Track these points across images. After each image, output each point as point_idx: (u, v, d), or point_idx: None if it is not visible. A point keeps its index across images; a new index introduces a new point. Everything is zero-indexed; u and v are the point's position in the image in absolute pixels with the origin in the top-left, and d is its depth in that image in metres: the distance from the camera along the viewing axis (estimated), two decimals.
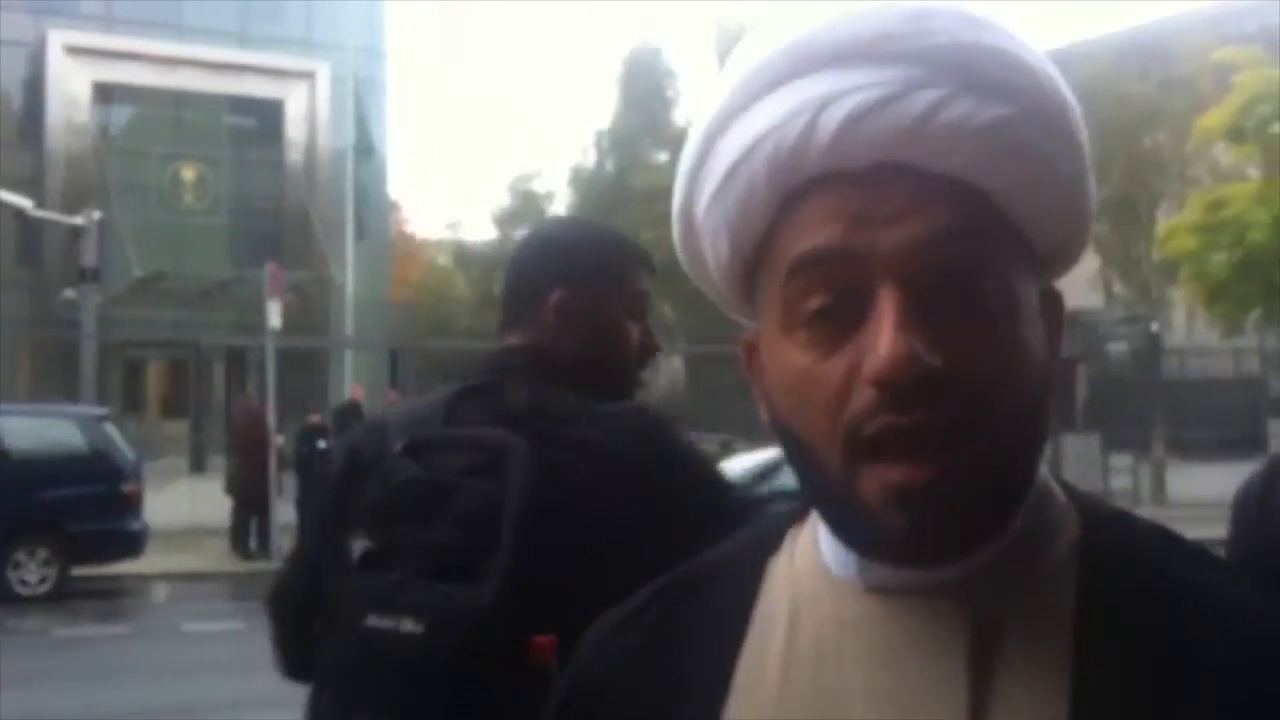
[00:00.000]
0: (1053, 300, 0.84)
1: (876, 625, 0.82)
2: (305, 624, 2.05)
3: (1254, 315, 17.79)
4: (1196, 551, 0.85)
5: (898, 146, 0.77)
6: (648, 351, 2.06)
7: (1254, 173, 18.16)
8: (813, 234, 0.78)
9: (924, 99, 0.76)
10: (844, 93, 0.77)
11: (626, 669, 0.90)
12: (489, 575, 1.74)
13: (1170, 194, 22.64)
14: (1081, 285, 18.55)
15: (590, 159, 30.67)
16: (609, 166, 30.15)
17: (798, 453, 0.81)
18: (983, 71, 0.78)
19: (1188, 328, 24.61)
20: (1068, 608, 0.80)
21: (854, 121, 0.76)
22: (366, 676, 1.81)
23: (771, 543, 0.91)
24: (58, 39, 29.81)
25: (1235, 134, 17.05)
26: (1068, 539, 0.83)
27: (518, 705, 1.65)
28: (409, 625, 1.76)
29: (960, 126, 0.77)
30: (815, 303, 0.78)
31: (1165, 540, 0.85)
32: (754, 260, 0.84)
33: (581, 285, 1.99)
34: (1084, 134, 0.83)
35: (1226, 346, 18.23)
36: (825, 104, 0.77)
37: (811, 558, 0.87)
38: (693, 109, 28.98)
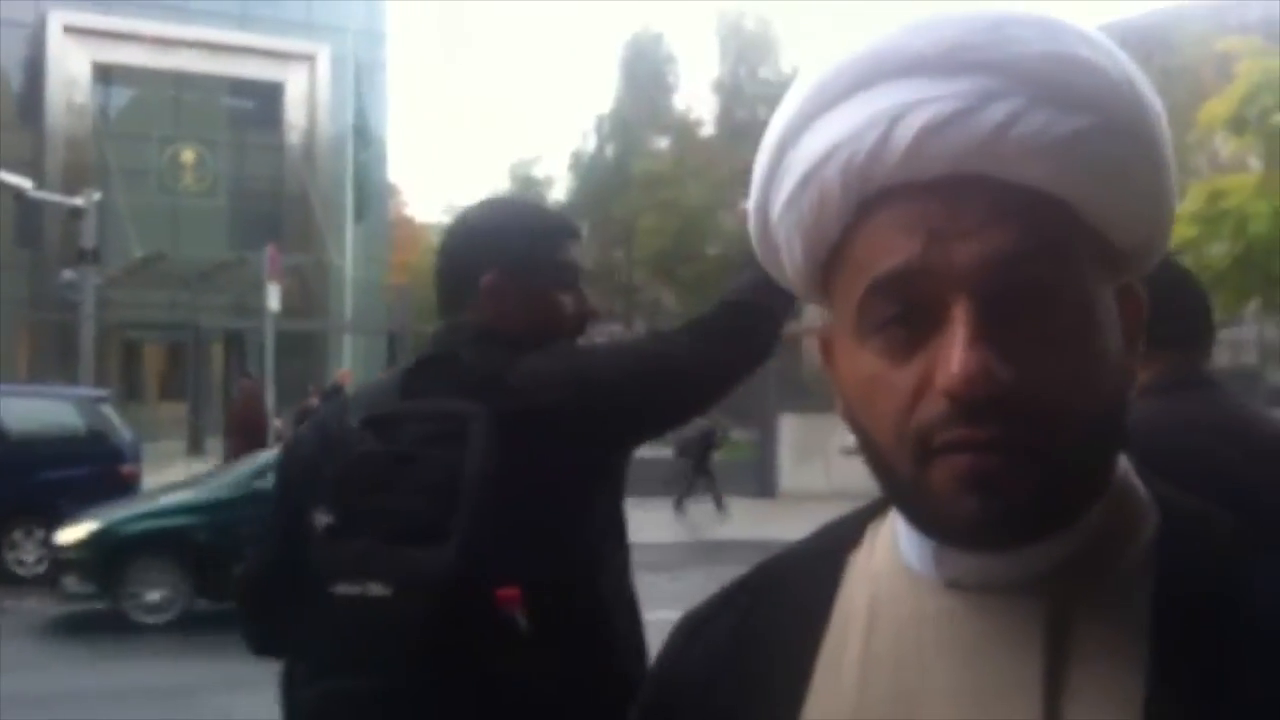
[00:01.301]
0: (1132, 296, 0.84)
1: (955, 621, 0.81)
2: (270, 602, 2.11)
3: (1253, 306, 17.79)
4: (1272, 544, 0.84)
5: (974, 158, 0.76)
6: (583, 318, 2.16)
7: (1255, 163, 18.15)
8: (890, 249, 0.78)
9: (1001, 110, 0.76)
10: (920, 103, 0.77)
11: (708, 671, 0.91)
12: (445, 537, 1.81)
13: None
14: None
15: (590, 144, 30.64)
16: (609, 152, 30.11)
17: (870, 450, 0.81)
18: (1060, 81, 0.77)
19: None
20: (1144, 606, 0.79)
21: (930, 132, 0.76)
22: (338, 642, 1.86)
23: (852, 537, 0.91)
24: (58, 19, 29.75)
25: (1237, 124, 17.03)
26: (1146, 536, 0.83)
27: (486, 657, 1.79)
28: (377, 589, 1.82)
29: (1038, 138, 0.76)
30: (889, 312, 0.78)
31: (1245, 535, 0.84)
32: (829, 262, 0.84)
33: (509, 266, 2.07)
34: (1166, 135, 0.82)
35: (1224, 338, 18.24)
36: (901, 114, 0.77)
37: (891, 554, 0.87)
38: (693, 95, 28.95)
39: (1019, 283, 0.75)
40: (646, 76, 29.91)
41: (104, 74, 30.62)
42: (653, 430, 2.15)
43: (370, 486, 1.90)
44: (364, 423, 1.97)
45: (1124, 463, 0.85)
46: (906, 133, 0.76)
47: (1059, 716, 0.76)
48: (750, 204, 0.88)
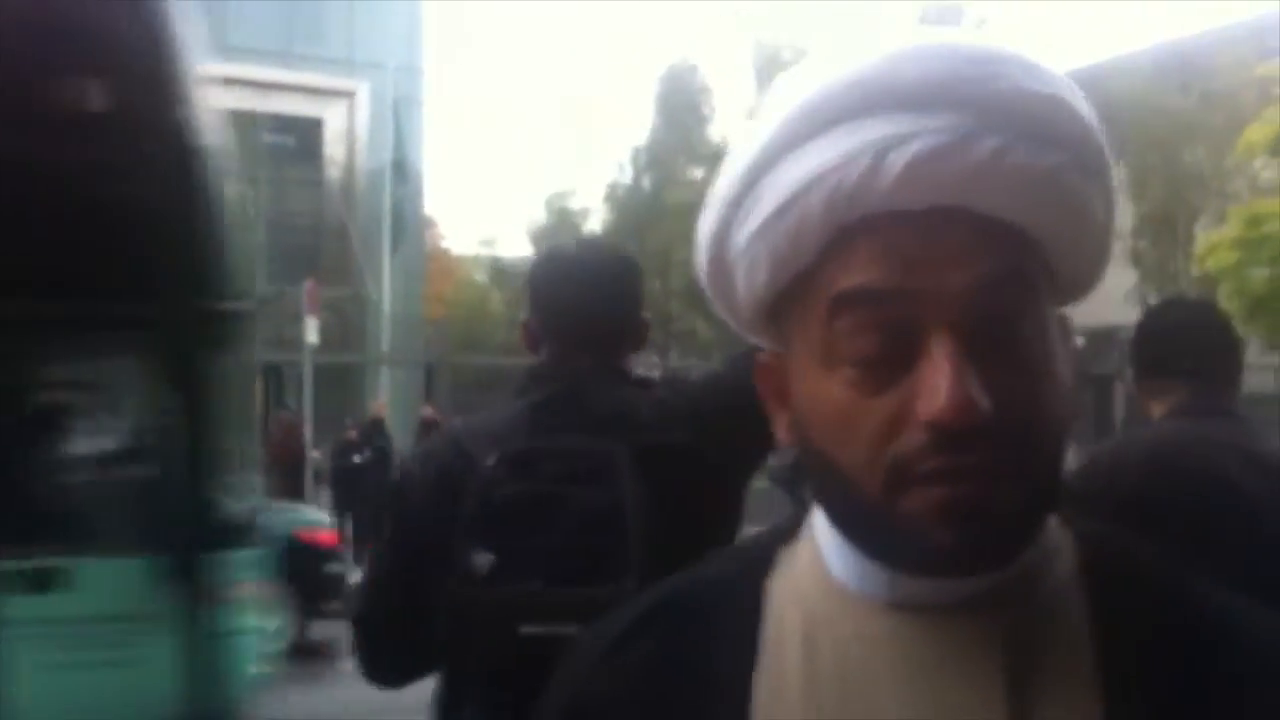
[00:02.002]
0: (1065, 325, 0.87)
1: (906, 641, 0.82)
2: (402, 637, 2.13)
3: None
4: (1184, 563, 0.88)
5: (959, 191, 0.78)
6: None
7: None
8: (865, 272, 0.79)
9: (986, 146, 0.78)
10: (910, 136, 0.78)
11: (631, 697, 0.88)
12: (623, 573, 1.88)
13: (1209, 209, 22.43)
14: (1119, 300, 18.41)
15: (626, 175, 30.72)
16: (645, 183, 30.18)
17: (830, 478, 0.81)
18: (1041, 119, 0.80)
19: None
20: (1083, 621, 0.82)
21: (919, 164, 0.77)
22: (524, 681, 1.84)
23: (762, 564, 0.91)
24: None
25: (1277, 148, 16.88)
26: (1068, 555, 0.86)
27: None
28: (566, 629, 1.84)
29: (1019, 173, 0.78)
30: (864, 339, 0.78)
31: (1154, 549, 0.88)
32: (789, 292, 0.84)
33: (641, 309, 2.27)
34: (1113, 178, 0.86)
35: (1266, 362, 18.03)
36: (890, 146, 0.78)
37: (817, 576, 0.87)
38: (729, 126, 29.02)
39: (993, 312, 0.78)
40: (682, 107, 30.00)
41: None
42: (764, 455, 2.23)
43: (529, 527, 1.94)
44: (499, 461, 1.98)
45: None
46: (896, 164, 0.77)
47: None
48: (705, 230, 0.87)
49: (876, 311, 0.78)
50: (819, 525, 0.89)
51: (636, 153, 30.55)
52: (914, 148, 0.78)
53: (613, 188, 30.64)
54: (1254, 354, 19.80)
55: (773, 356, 0.88)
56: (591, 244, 2.46)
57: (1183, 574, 0.87)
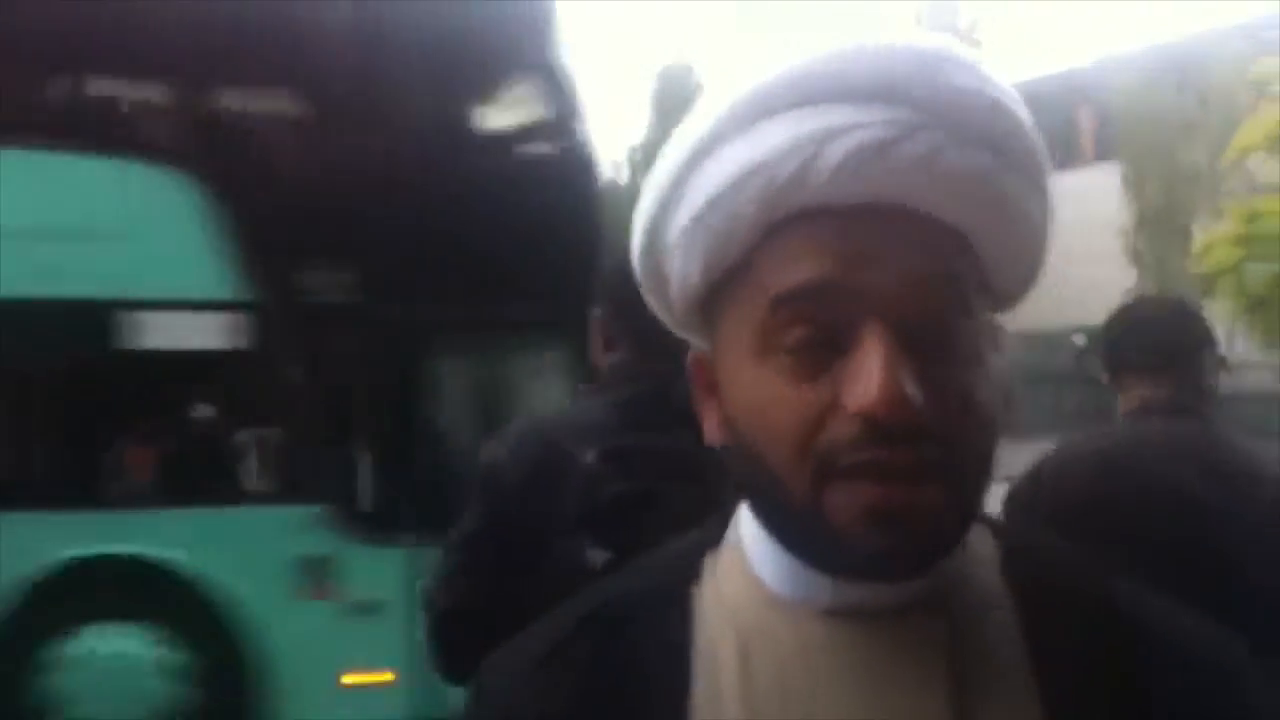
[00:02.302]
0: (996, 332, 0.86)
1: (847, 649, 0.81)
2: (489, 630, 2.07)
3: None
4: (1097, 558, 0.89)
5: (896, 187, 0.78)
6: None
7: None
8: (803, 267, 0.78)
9: (923, 143, 0.77)
10: (848, 129, 0.77)
11: (566, 707, 0.86)
12: None
13: (1207, 207, 22.43)
14: (1119, 299, 18.41)
15: (623, 175, 30.72)
16: (641, 182, 30.24)
17: (759, 474, 0.80)
18: (978, 121, 0.79)
19: (1226, 342, 24.39)
20: (1012, 621, 0.82)
21: (856, 158, 0.77)
22: None
23: (688, 572, 0.89)
24: None
25: (1274, 145, 16.89)
26: (990, 556, 0.86)
27: None
28: None
29: (955, 173, 0.78)
30: (797, 332, 0.78)
31: (1068, 547, 0.90)
32: (722, 284, 0.83)
33: None
34: (1050, 183, 0.85)
35: (1266, 361, 18.03)
36: (828, 138, 0.77)
37: (746, 584, 0.85)
38: None
39: (927, 310, 0.77)
40: (678, 107, 30.02)
41: None
42: None
43: (638, 523, 1.93)
44: (601, 458, 2.02)
45: None
46: (833, 157, 0.77)
47: None
48: (640, 219, 0.85)
49: (812, 306, 0.77)
50: (746, 531, 0.87)
51: (633, 152, 30.58)
52: (850, 141, 0.77)
53: (608, 186, 30.67)
54: (1254, 352, 19.83)
55: (702, 353, 0.87)
56: None
57: (1099, 570, 0.88)
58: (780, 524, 0.81)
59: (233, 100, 7.24)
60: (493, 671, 0.93)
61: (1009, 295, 0.88)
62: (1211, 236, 18.30)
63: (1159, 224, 23.46)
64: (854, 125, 0.77)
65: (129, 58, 6.86)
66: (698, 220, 0.82)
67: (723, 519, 0.92)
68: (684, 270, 0.85)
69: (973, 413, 0.78)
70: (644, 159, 30.05)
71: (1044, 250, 0.87)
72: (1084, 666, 0.81)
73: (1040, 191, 0.84)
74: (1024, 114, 0.82)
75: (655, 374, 2.14)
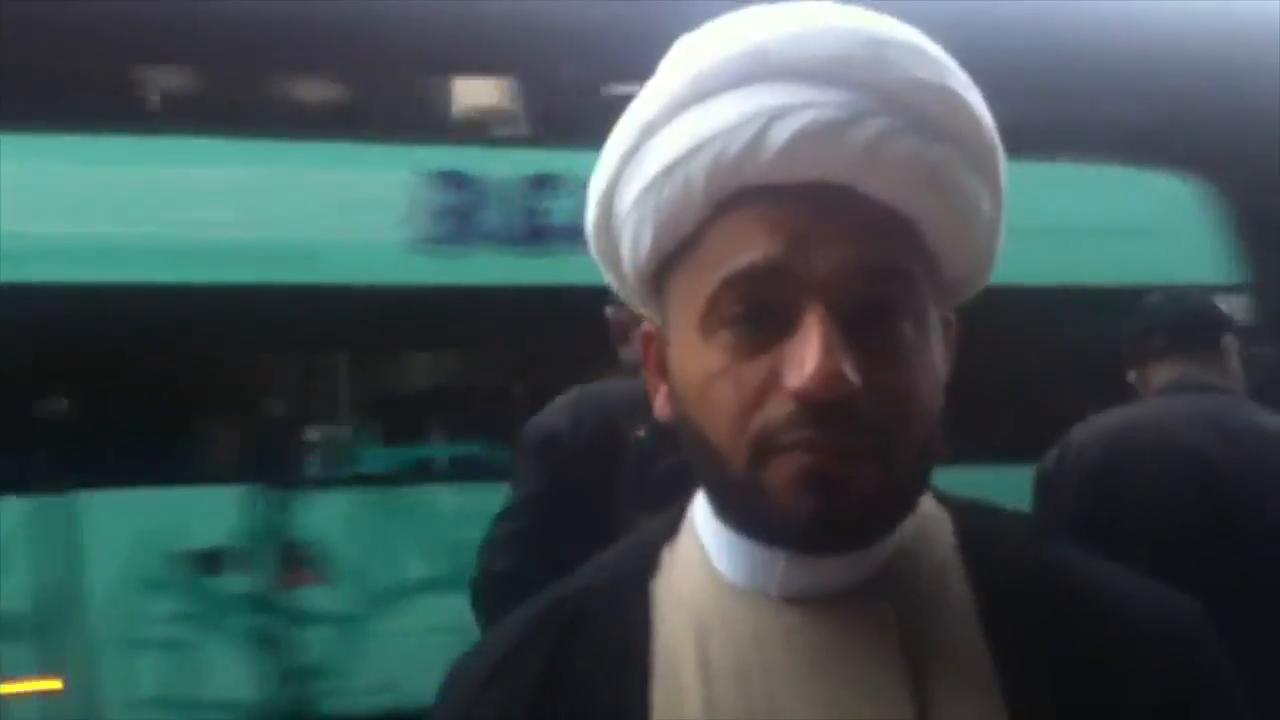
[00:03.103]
0: (949, 326, 0.87)
1: (801, 633, 0.81)
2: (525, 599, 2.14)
3: None
4: (1050, 532, 0.91)
5: (843, 169, 0.78)
6: None
7: None
8: (749, 248, 0.78)
9: (874, 127, 0.77)
10: (797, 107, 0.77)
11: (522, 714, 0.85)
12: None
13: None
14: None
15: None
16: None
17: (701, 449, 0.81)
18: (931, 109, 0.79)
19: None
20: (966, 597, 0.83)
21: (803, 138, 0.77)
22: None
23: (645, 565, 0.89)
24: None
25: None
26: (946, 534, 0.86)
27: None
28: None
29: (905, 159, 0.78)
30: (741, 311, 0.78)
31: (1027, 524, 0.91)
32: (673, 257, 0.83)
33: None
34: (1005, 176, 0.85)
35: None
36: (777, 115, 0.77)
37: (702, 575, 0.86)
38: None
39: (870, 296, 0.77)
40: None
41: None
42: None
43: (687, 496, 1.96)
44: (651, 433, 2.09)
45: None
46: (780, 135, 0.77)
47: (928, 711, 0.78)
48: (594, 188, 0.85)
49: (757, 285, 0.78)
50: (700, 521, 0.88)
51: None
52: (800, 120, 0.77)
53: None
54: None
55: (654, 326, 0.88)
56: None
57: (1055, 545, 0.88)
58: (722, 497, 0.82)
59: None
60: (453, 677, 0.92)
61: (961, 287, 0.88)
62: None
63: None
64: (805, 105, 0.77)
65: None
66: (648, 191, 0.82)
67: (678, 510, 0.92)
68: (635, 241, 0.84)
69: (910, 402, 0.78)
70: None
71: (995, 244, 0.87)
72: (1039, 641, 0.81)
73: (992, 185, 0.84)
74: (979, 103, 0.82)
75: None
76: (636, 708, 0.82)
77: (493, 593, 2.25)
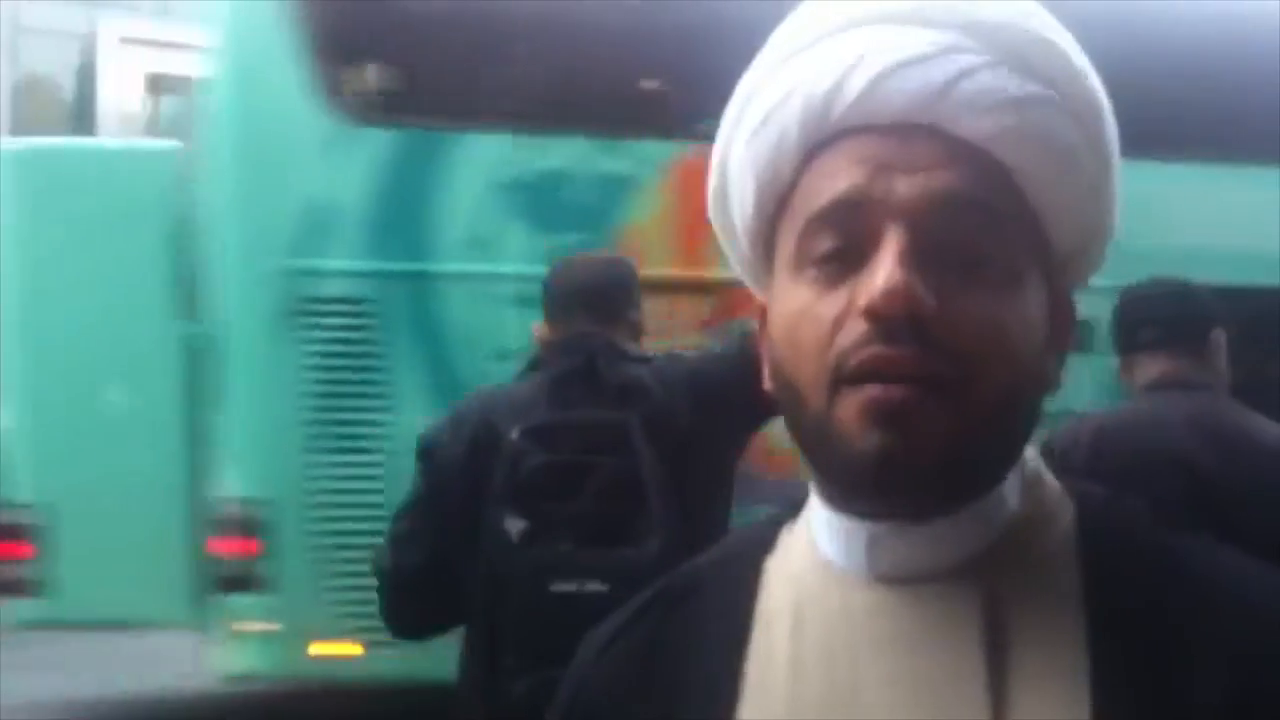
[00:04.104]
0: (1063, 308, 0.85)
1: (886, 614, 0.82)
2: (427, 590, 2.33)
3: None
4: (1186, 528, 0.88)
5: (925, 106, 0.78)
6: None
7: None
8: (835, 181, 0.79)
9: (957, 63, 0.78)
10: (880, 49, 0.79)
11: (628, 679, 0.89)
12: (645, 533, 2.09)
13: None
14: None
15: None
16: None
17: (788, 392, 0.81)
18: (1021, 49, 0.80)
19: None
20: (1074, 588, 0.81)
21: (886, 76, 0.78)
22: (556, 635, 2.02)
23: (765, 544, 0.91)
24: (110, 29, 30.15)
25: None
26: (1064, 522, 0.85)
27: None
28: (594, 586, 2.09)
29: (988, 94, 0.78)
30: (826, 239, 0.79)
31: (1157, 518, 0.88)
32: (775, 212, 0.85)
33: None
34: (1114, 142, 0.84)
35: None
36: (862, 57, 0.79)
37: (809, 554, 0.87)
38: None
39: (955, 227, 0.77)
40: None
41: (156, 84, 30.99)
42: (754, 428, 2.43)
43: (556, 494, 2.14)
44: (524, 433, 2.18)
45: (1033, 454, 0.86)
46: (862, 76, 0.78)
47: (1005, 700, 0.77)
48: (713, 160, 0.88)
49: (841, 217, 0.79)
50: (812, 501, 0.88)
51: None
52: (883, 60, 0.78)
53: None
54: None
55: (766, 300, 0.88)
56: (595, 254, 2.76)
57: (1164, 532, 0.87)
58: (803, 442, 0.82)
59: None
60: (582, 644, 0.96)
61: (1072, 262, 0.86)
62: None
63: None
64: (887, 46, 0.79)
65: None
66: (750, 143, 0.84)
67: (804, 491, 0.91)
68: (742, 200, 0.86)
69: (995, 337, 0.77)
70: None
71: (1106, 212, 0.86)
72: (1144, 635, 0.79)
73: (1095, 140, 0.83)
74: (1079, 59, 0.82)
75: (585, 352, 2.31)
76: (731, 671, 0.84)
77: (384, 589, 2.40)
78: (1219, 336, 2.65)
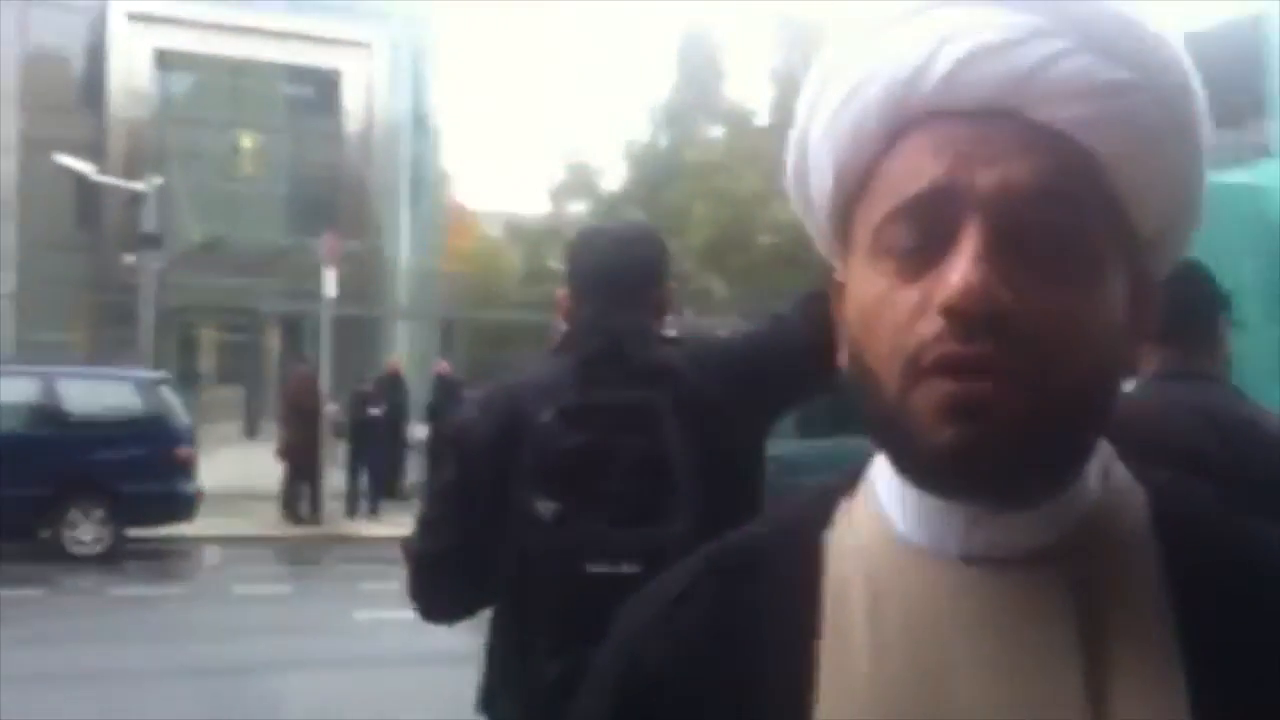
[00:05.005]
0: (1146, 292, 0.83)
1: (974, 595, 0.80)
2: (458, 574, 2.35)
3: None
4: (1259, 513, 0.86)
5: (1010, 91, 0.76)
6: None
7: None
8: (917, 171, 0.78)
9: (1044, 48, 0.76)
10: (967, 30, 0.77)
11: (694, 656, 0.86)
12: (674, 513, 2.11)
13: None
14: None
15: (644, 133, 30.62)
16: (663, 141, 30.08)
17: (865, 378, 0.80)
18: (1109, 35, 0.77)
19: None
20: (1155, 574, 0.80)
21: (971, 60, 0.76)
22: (592, 616, 1.97)
23: (820, 517, 0.88)
24: (119, 6, 30.12)
25: None
26: (1138, 507, 0.83)
27: None
28: (627, 567, 2.09)
29: (1074, 80, 0.76)
30: (905, 232, 0.78)
31: (1228, 502, 0.86)
32: (854, 193, 0.83)
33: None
34: (1204, 125, 0.82)
35: None
36: (946, 39, 0.77)
37: (877, 529, 0.85)
38: (748, 84, 28.72)
39: (1035, 218, 0.75)
40: (701, 65, 29.84)
41: (164, 60, 30.96)
42: (785, 409, 2.46)
43: (587, 475, 2.16)
44: (555, 415, 2.21)
45: (1104, 443, 0.85)
46: (948, 58, 0.77)
47: (1103, 686, 0.76)
48: (792, 137, 0.88)
49: (922, 208, 0.77)
50: (879, 476, 0.86)
51: (654, 110, 30.44)
52: (970, 41, 0.77)
53: (630, 145, 30.54)
54: None
55: (842, 274, 0.87)
56: (623, 222, 2.70)
57: (1253, 523, 0.85)
58: (875, 425, 0.81)
59: None
60: (626, 617, 0.93)
61: (1159, 246, 0.85)
62: None
63: None
64: (975, 27, 0.77)
65: None
66: (832, 121, 0.82)
67: (859, 466, 0.90)
68: (821, 175, 0.85)
69: (1074, 333, 0.75)
70: (666, 118, 29.93)
71: (1191, 197, 0.83)
72: (1229, 615, 0.78)
73: (1183, 125, 0.80)
74: (1170, 42, 0.79)
75: (610, 332, 2.31)
76: (806, 650, 0.82)
77: (415, 572, 2.41)
78: (1224, 324, 2.63)
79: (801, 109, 0.86)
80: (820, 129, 0.84)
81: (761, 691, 0.82)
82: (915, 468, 0.79)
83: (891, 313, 0.77)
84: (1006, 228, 0.75)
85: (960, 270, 0.73)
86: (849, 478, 0.90)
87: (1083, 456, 0.81)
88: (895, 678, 0.79)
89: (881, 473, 0.86)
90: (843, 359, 0.84)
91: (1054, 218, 0.76)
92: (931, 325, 0.75)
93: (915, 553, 0.82)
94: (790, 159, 0.88)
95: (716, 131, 29.41)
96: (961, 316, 0.73)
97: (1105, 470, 0.84)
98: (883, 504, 0.85)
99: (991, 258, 0.74)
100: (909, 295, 0.76)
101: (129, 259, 20.55)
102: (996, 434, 0.73)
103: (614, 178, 30.70)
